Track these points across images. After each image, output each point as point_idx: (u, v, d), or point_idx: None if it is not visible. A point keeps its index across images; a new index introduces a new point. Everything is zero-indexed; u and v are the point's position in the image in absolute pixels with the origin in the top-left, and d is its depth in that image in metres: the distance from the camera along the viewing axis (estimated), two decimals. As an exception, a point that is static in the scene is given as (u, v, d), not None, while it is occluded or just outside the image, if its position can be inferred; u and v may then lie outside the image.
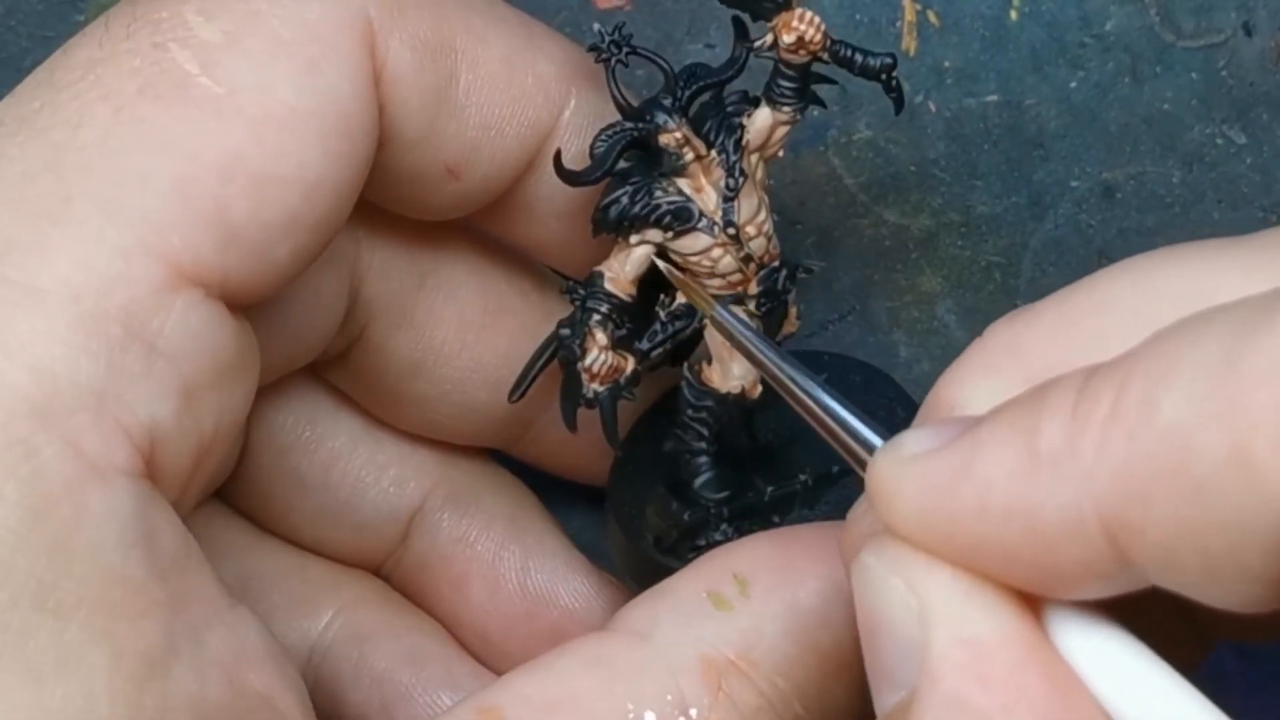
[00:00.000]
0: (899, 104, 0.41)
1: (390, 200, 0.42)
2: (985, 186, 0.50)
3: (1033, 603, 0.30)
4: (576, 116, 0.41)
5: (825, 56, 0.40)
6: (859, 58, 0.40)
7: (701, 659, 0.36)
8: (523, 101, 0.40)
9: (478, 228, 0.44)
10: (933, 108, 0.50)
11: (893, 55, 0.40)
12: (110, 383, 0.34)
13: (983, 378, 0.33)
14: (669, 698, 0.36)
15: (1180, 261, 0.32)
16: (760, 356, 0.38)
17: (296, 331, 0.42)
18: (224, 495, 0.46)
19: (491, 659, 0.47)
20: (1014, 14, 0.50)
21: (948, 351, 0.50)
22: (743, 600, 0.37)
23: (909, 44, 0.50)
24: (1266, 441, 0.26)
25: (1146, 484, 0.27)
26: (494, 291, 0.45)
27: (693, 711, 0.36)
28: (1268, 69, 0.50)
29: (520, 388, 0.43)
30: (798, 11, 0.40)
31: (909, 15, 0.50)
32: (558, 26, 0.50)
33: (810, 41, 0.40)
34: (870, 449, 0.33)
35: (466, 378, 0.45)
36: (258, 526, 0.47)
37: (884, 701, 0.31)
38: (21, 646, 0.32)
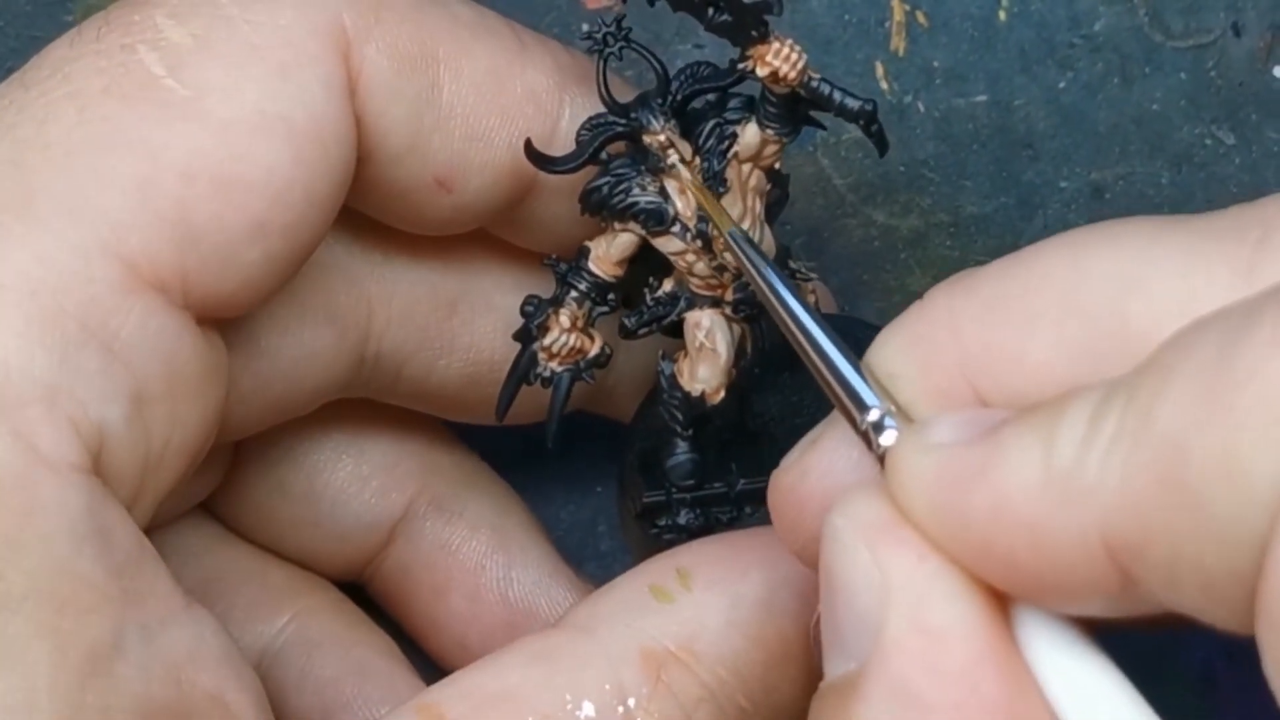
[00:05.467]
0: (881, 147, 0.40)
1: (386, 216, 0.42)
2: (974, 187, 0.50)
3: (1001, 597, 0.30)
4: (573, 125, 0.41)
5: (802, 93, 0.39)
6: (837, 97, 0.39)
7: (641, 650, 0.36)
8: (511, 112, 0.40)
9: (499, 238, 0.44)
10: (921, 108, 0.50)
11: (874, 101, 0.39)
12: (64, 378, 0.34)
13: (914, 348, 0.33)
14: (607, 688, 0.36)
15: (1115, 242, 0.32)
16: (765, 290, 0.36)
17: (286, 385, 0.42)
18: (206, 500, 0.46)
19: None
20: (1003, 14, 0.50)
21: (937, 352, 0.50)
22: (684, 593, 0.37)
23: (898, 44, 0.50)
24: (1253, 442, 0.26)
25: (1145, 499, 0.27)
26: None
27: (631, 701, 0.36)
28: (1256, 69, 0.50)
29: (501, 405, 0.42)
30: (774, 46, 0.39)
31: (898, 15, 0.50)
32: (546, 26, 0.50)
33: (784, 78, 0.39)
34: (864, 407, 0.32)
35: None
36: (239, 533, 0.47)
37: (833, 667, 0.31)
38: None
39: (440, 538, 0.46)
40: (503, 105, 0.40)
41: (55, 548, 0.33)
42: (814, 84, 0.39)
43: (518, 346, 0.42)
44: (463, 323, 0.44)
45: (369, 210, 0.41)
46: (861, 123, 0.40)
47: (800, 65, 0.39)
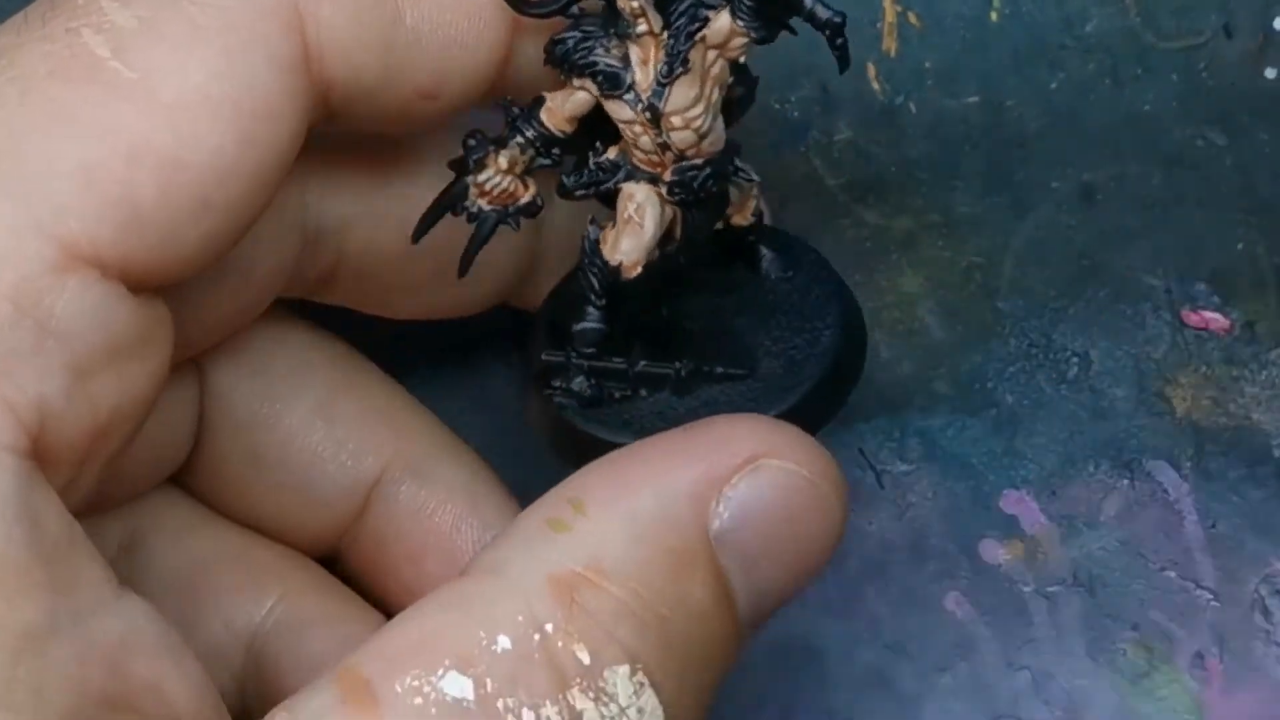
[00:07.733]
0: (843, 62, 0.40)
1: (373, 131, 0.42)
2: (966, 187, 0.50)
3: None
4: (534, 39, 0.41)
5: None
6: (808, 3, 0.40)
7: (549, 578, 0.36)
8: (476, 10, 0.40)
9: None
10: (913, 109, 0.50)
11: (843, 14, 0.40)
12: None
13: None
14: (520, 619, 0.36)
15: None
16: None
17: (237, 276, 0.42)
18: (180, 474, 0.46)
19: None
20: (995, 15, 0.50)
21: (928, 352, 0.50)
22: (581, 519, 0.37)
23: (890, 45, 0.50)
24: None
25: None
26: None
27: (548, 626, 0.36)
28: (1248, 71, 0.50)
29: (419, 229, 0.42)
30: None
31: (889, 16, 0.50)
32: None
33: None
34: None
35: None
36: (215, 507, 0.47)
37: None
38: None
39: (415, 503, 0.47)
40: (467, 7, 0.40)
41: None
42: None
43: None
44: (397, 193, 0.44)
45: (357, 129, 0.41)
46: (827, 33, 0.40)
47: None
